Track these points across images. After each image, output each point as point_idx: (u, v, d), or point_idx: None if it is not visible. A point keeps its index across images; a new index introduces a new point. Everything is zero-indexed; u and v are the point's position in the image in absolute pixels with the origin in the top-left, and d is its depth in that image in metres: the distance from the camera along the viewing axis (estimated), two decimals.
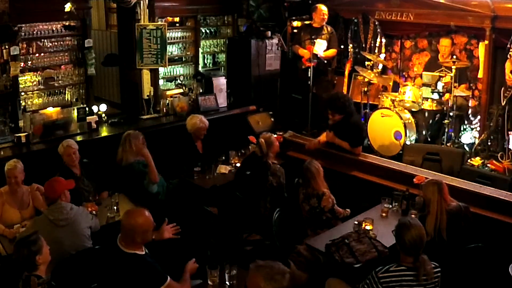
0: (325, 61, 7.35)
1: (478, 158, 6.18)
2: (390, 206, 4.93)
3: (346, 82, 7.88)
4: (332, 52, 7.40)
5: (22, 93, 6.20)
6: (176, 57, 7.82)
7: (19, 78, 6.06)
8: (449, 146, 6.45)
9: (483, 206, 5.01)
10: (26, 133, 5.90)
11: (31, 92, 6.37)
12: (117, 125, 6.71)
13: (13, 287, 3.41)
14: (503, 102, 6.22)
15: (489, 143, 6.32)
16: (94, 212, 4.69)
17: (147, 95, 7.15)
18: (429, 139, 6.73)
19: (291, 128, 7.15)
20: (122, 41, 7.45)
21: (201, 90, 7.53)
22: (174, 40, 7.65)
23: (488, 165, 6.07)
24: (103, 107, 6.83)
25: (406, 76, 7.60)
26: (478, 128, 6.69)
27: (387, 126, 6.66)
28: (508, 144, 6.08)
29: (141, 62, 7.07)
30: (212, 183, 5.66)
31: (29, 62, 6.31)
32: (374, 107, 7.19)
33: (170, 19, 7.62)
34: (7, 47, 5.84)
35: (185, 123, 6.15)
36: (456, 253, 4.09)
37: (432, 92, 6.70)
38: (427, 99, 6.69)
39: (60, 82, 6.61)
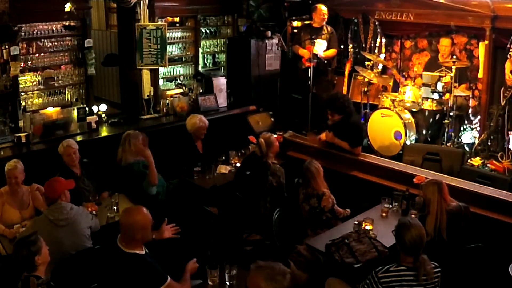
0: (325, 61, 7.35)
1: (478, 158, 6.18)
2: (390, 206, 4.93)
3: (346, 82, 7.88)
4: (332, 52, 7.40)
5: (22, 93, 6.20)
6: (176, 57, 7.82)
7: (19, 78, 6.06)
8: (449, 146, 6.44)
9: (483, 206, 5.01)
10: (26, 133, 5.89)
11: (31, 92, 6.37)
12: (117, 125, 6.71)
13: (13, 287, 3.41)
14: (503, 102, 6.22)
15: (489, 143, 6.32)
16: (94, 212, 4.69)
17: (147, 95, 7.15)
18: (429, 139, 6.73)
19: (291, 128, 7.16)
20: (122, 41, 7.45)
21: (201, 90, 7.53)
22: (174, 40, 7.64)
23: (488, 165, 6.06)
24: (103, 107, 6.83)
25: (406, 76, 7.61)
26: (478, 128, 6.69)
27: (387, 126, 6.66)
28: (508, 144, 6.07)
29: (141, 62, 7.07)
30: (212, 183, 5.66)
31: (29, 62, 6.31)
32: (374, 107, 7.19)
33: (170, 19, 7.62)
34: (7, 47, 5.84)
35: (185, 123, 6.15)
36: (456, 253, 4.09)
37: (432, 92, 6.70)
38: (427, 99, 6.69)
39: (60, 82, 6.61)
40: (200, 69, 7.96)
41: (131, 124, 6.63)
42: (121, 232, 3.41)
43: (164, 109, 7.17)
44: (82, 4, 6.39)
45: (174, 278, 3.48)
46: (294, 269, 4.31)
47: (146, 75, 7.16)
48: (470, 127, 6.81)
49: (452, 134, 6.54)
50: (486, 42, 6.45)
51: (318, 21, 7.32)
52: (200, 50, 7.96)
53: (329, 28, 7.39)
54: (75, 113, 6.38)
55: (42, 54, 6.41)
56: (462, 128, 6.76)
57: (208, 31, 8.10)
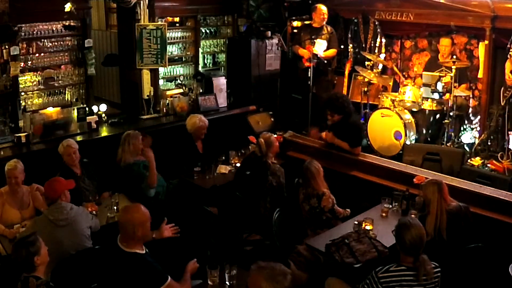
0: (325, 61, 7.35)
1: (478, 158, 6.18)
2: (390, 206, 4.93)
3: (346, 82, 7.89)
4: (332, 52, 7.40)
5: (22, 93, 6.19)
6: (176, 57, 7.81)
7: (19, 78, 6.05)
8: (449, 146, 6.44)
9: (483, 206, 5.01)
10: (26, 133, 5.89)
11: (31, 92, 6.37)
12: (117, 125, 6.71)
13: (13, 287, 3.41)
14: (503, 102, 6.22)
15: (489, 143, 6.32)
16: (94, 212, 4.70)
17: (147, 95, 7.14)
18: (429, 139, 6.73)
19: (291, 128, 7.15)
20: (122, 41, 7.45)
21: (201, 90, 7.53)
22: (174, 40, 7.64)
23: (488, 165, 6.06)
24: (103, 107, 6.83)
25: (406, 76, 7.61)
26: (478, 128, 6.69)
27: (387, 126, 6.66)
28: (508, 144, 6.08)
29: (141, 62, 7.07)
30: (212, 183, 5.66)
31: (29, 62, 6.31)
32: (374, 107, 7.19)
33: (170, 19, 7.61)
34: (7, 47, 5.84)
35: (185, 123, 6.15)
36: (456, 253, 4.09)
37: (432, 92, 6.70)
38: (427, 99, 6.69)
39: (60, 82, 6.60)
40: (200, 69, 7.95)
41: (131, 124, 6.63)
42: (120, 232, 3.41)
43: (164, 109, 7.17)
44: (82, 4, 6.39)
45: (174, 278, 3.48)
46: (294, 269, 4.31)
47: (146, 75, 7.15)
48: (470, 127, 6.81)
49: (452, 134, 6.54)
50: (486, 42, 6.45)
51: (318, 21, 7.33)
52: (200, 50, 7.96)
53: (329, 28, 7.40)
54: (75, 113, 6.38)
55: (42, 54, 6.41)
56: (462, 128, 6.76)
57: (208, 31, 8.10)
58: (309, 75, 7.02)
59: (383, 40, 7.59)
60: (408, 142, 6.50)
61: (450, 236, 4.14)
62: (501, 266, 4.03)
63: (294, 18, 7.74)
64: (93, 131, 6.43)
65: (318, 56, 7.20)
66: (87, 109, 6.57)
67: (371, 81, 7.22)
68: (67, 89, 6.68)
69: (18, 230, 4.47)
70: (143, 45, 6.99)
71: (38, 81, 6.41)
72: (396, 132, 6.57)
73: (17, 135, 5.85)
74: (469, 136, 6.66)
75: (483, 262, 4.13)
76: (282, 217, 4.86)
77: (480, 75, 6.72)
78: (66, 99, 6.67)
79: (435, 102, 6.64)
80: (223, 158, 6.15)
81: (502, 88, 6.25)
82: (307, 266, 4.51)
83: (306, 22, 7.56)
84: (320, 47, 7.23)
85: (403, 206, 4.90)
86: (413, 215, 4.47)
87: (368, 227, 4.47)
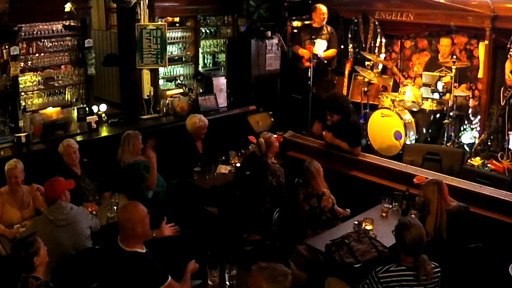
0: (325, 61, 7.35)
1: (478, 158, 6.18)
2: (390, 206, 4.93)
3: (346, 82, 7.89)
4: (332, 52, 7.40)
5: (22, 93, 6.19)
6: (176, 57, 7.81)
7: (19, 78, 6.05)
8: (449, 146, 6.44)
9: (483, 206, 5.01)
10: (26, 133, 5.89)
11: (31, 92, 6.37)
12: (117, 125, 6.71)
13: (14, 287, 3.41)
14: (503, 102, 6.22)
15: (489, 143, 6.32)
16: (94, 212, 4.70)
17: (147, 95, 7.15)
18: (429, 139, 6.73)
19: (291, 128, 7.15)
20: (122, 41, 7.45)
21: (201, 90, 7.53)
22: (174, 40, 7.64)
23: (488, 165, 6.06)
24: (103, 107, 6.83)
25: (406, 76, 7.61)
26: (478, 128, 6.68)
27: (387, 126, 6.66)
28: (508, 144, 6.07)
29: (141, 62, 7.07)
30: (212, 183, 5.66)
31: (29, 62, 6.31)
32: (374, 107, 7.18)
33: (170, 19, 7.61)
34: (7, 47, 5.84)
35: (185, 123, 6.15)
36: (456, 253, 4.09)
37: (432, 92, 6.71)
38: (427, 99, 6.69)
39: (60, 82, 6.60)
40: (200, 69, 7.95)
41: (131, 124, 6.63)
42: (120, 231, 3.41)
43: (164, 109, 7.17)
44: (82, 4, 6.39)
45: (174, 278, 3.48)
46: (294, 269, 4.32)
47: (146, 75, 7.16)
48: (470, 127, 6.80)
49: (452, 134, 6.54)
50: (486, 42, 6.44)
51: (318, 21, 7.32)
52: (200, 50, 7.96)
53: (329, 28, 7.40)
54: (75, 113, 6.38)
55: (42, 54, 6.41)
56: (462, 128, 6.76)
57: (208, 31, 8.10)
58: (309, 75, 7.02)
59: (383, 40, 7.59)
60: (408, 142, 6.50)
61: (450, 236, 4.14)
62: (501, 266, 4.03)
63: (294, 18, 7.73)
64: (93, 131, 6.43)
65: (318, 56, 7.20)
66: (87, 109, 6.57)
67: (371, 81, 7.21)
68: (67, 89, 6.68)
69: (18, 230, 4.47)
70: (143, 45, 7.00)
71: (38, 81, 6.41)
72: (396, 132, 6.57)
73: (17, 135, 5.85)
74: (469, 136, 6.66)
75: (483, 262, 4.13)
76: (282, 217, 4.86)
77: (480, 75, 6.72)
78: (66, 99, 6.68)
79: (435, 102, 6.64)
80: (223, 158, 6.15)
81: (502, 88, 6.25)
82: (307, 266, 4.52)
83: (306, 22, 7.55)
84: (320, 47, 7.23)
85: (403, 206, 4.90)
86: (413, 215, 4.47)
87: (368, 227, 4.47)
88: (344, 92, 7.76)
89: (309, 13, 7.47)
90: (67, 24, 6.42)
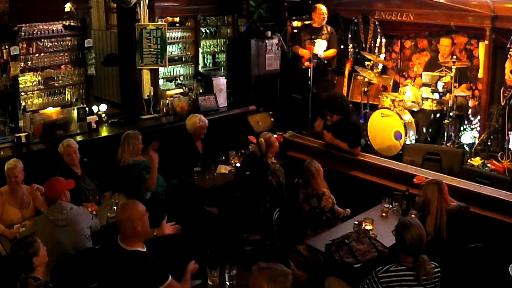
0: (325, 61, 7.36)
1: (478, 158, 6.18)
2: (390, 206, 4.93)
3: (346, 82, 7.89)
4: (332, 52, 7.41)
5: (22, 93, 6.20)
6: (176, 57, 7.81)
7: (19, 78, 6.05)
8: (449, 146, 6.44)
9: (483, 206, 5.01)
10: (26, 133, 5.89)
11: (31, 92, 6.37)
12: (117, 125, 6.71)
13: (14, 287, 3.41)
14: (503, 102, 6.22)
15: (489, 143, 6.32)
16: (94, 212, 4.69)
17: (147, 95, 7.15)
18: (429, 139, 6.73)
19: (291, 128, 7.15)
20: (122, 41, 7.45)
21: (201, 90, 7.53)
22: (174, 40, 7.64)
23: (488, 165, 6.06)
24: (103, 107, 6.83)
25: (406, 76, 7.61)
26: (478, 128, 6.69)
27: (387, 126, 6.66)
28: (508, 144, 6.07)
29: (141, 62, 7.07)
30: (212, 183, 5.66)
31: (29, 62, 6.31)
32: (374, 107, 7.19)
33: (170, 19, 7.61)
34: (7, 47, 5.84)
35: (185, 123, 6.15)
36: (456, 253, 4.09)
37: (432, 92, 6.71)
38: (427, 99, 6.69)
39: (60, 82, 6.60)
40: (200, 69, 7.95)
41: (131, 124, 6.63)
42: (120, 230, 3.41)
43: (164, 109, 7.17)
44: (82, 4, 6.39)
45: (174, 278, 3.47)
46: (294, 269, 4.32)
47: (146, 75, 7.16)
48: (470, 127, 6.81)
49: (452, 134, 6.54)
50: (486, 42, 6.45)
51: (318, 21, 7.33)
52: (200, 50, 7.96)
53: (329, 28, 7.40)
54: (75, 113, 6.38)
55: (42, 54, 6.41)
56: (462, 128, 6.77)
57: (208, 31, 8.10)
58: (309, 75, 7.02)
59: (383, 40, 7.59)
60: (408, 142, 6.50)
61: (450, 236, 4.14)
62: (501, 266, 4.03)
63: (294, 18, 7.73)
64: (93, 131, 6.43)
65: (318, 56, 7.20)
66: (87, 109, 6.57)
67: (371, 81, 7.21)
68: (67, 89, 6.68)
69: (18, 230, 4.47)
70: (143, 45, 7.00)
71: (38, 81, 6.41)
72: (396, 132, 6.57)
73: (17, 135, 5.85)
74: (469, 136, 6.67)
75: (483, 262, 4.13)
76: (282, 217, 4.86)
77: (480, 75, 6.72)
78: (66, 99, 6.68)
79: (435, 102, 6.64)
80: (223, 158, 6.15)
81: (502, 88, 6.25)
82: (307, 266, 4.52)
83: (306, 22, 7.56)
84: (320, 47, 7.24)
85: (403, 206, 4.90)
86: (413, 215, 4.47)
87: (368, 227, 4.47)
88: (344, 92, 7.76)
89: (309, 13, 7.47)
90: (67, 24, 6.42)
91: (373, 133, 6.84)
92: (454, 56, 6.69)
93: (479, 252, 4.16)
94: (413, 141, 6.59)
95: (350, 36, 7.92)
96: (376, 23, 7.50)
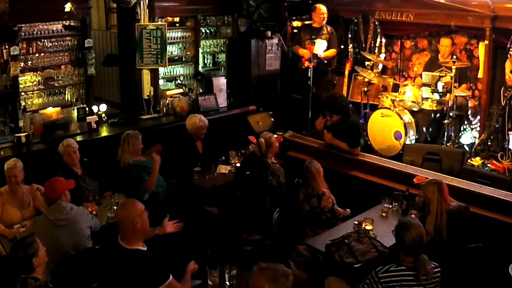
0: (325, 61, 7.36)
1: (478, 158, 6.18)
2: (390, 206, 4.93)
3: (346, 82, 7.89)
4: (332, 52, 7.41)
5: (22, 93, 6.19)
6: (176, 57, 7.81)
7: (19, 78, 6.05)
8: (449, 146, 6.44)
9: (483, 206, 5.01)
10: (26, 133, 5.89)
11: (31, 92, 6.37)
12: (117, 125, 6.71)
13: (14, 287, 3.41)
14: (503, 102, 6.22)
15: (489, 143, 6.32)
16: (94, 212, 4.70)
17: (147, 95, 7.14)
18: (429, 139, 6.73)
19: (291, 128, 7.15)
20: (122, 41, 7.45)
21: (201, 90, 7.53)
22: (174, 40, 7.64)
23: (488, 165, 6.06)
24: (103, 107, 6.83)
25: (406, 76, 7.61)
26: (478, 128, 6.69)
27: (387, 126, 6.66)
28: (508, 144, 6.08)
29: (141, 62, 7.07)
30: (212, 183, 5.66)
31: (29, 62, 6.31)
32: (374, 107, 7.19)
33: (170, 19, 7.61)
34: (7, 47, 5.84)
35: (185, 123, 6.15)
36: (456, 253, 4.09)
37: (432, 92, 6.71)
38: (427, 99, 6.70)
39: (60, 82, 6.60)
40: (200, 69, 7.95)
41: (131, 124, 6.63)
42: (120, 230, 3.41)
43: (164, 109, 7.17)
44: (82, 4, 6.39)
45: (174, 278, 3.47)
46: (294, 269, 4.32)
47: (146, 75, 7.16)
48: (470, 127, 6.81)
49: (452, 134, 6.54)
50: (486, 42, 6.45)
51: (318, 21, 7.33)
52: (200, 50, 7.95)
53: (329, 28, 7.40)
54: (75, 113, 6.38)
55: (42, 54, 6.41)
56: (462, 128, 6.77)
57: (208, 31, 8.10)
58: (309, 75, 7.02)
59: (383, 40, 7.59)
60: (408, 142, 6.50)
61: (450, 236, 4.14)
62: (501, 266, 4.03)
63: (294, 18, 7.74)
64: (93, 131, 6.43)
65: (318, 56, 7.20)
66: (87, 109, 6.57)
67: (371, 81, 7.22)
68: (67, 89, 6.68)
69: (18, 230, 4.47)
70: (143, 45, 6.99)
71: (38, 81, 6.41)
72: (396, 132, 6.57)
73: (17, 135, 5.85)
74: (469, 136, 6.67)
75: (483, 262, 4.13)
76: (282, 217, 4.86)
77: (480, 75, 6.73)
78: (66, 99, 6.68)
79: (435, 102, 6.64)
80: (223, 158, 6.15)
81: (502, 88, 6.26)
82: (307, 266, 4.52)
83: (306, 22, 7.56)
84: (320, 47, 7.24)
85: (403, 206, 4.90)
86: (413, 215, 4.47)
87: (368, 227, 4.47)
88: (344, 92, 7.77)
89: (309, 13, 7.48)
90: (67, 24, 6.42)
91: (373, 133, 6.84)
92: (454, 56, 6.69)
93: (479, 252, 4.16)
94: (413, 141, 6.59)
95: (350, 36, 7.92)
96: (376, 23, 7.51)
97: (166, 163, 5.64)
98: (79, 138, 6.13)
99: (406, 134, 6.52)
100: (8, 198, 4.75)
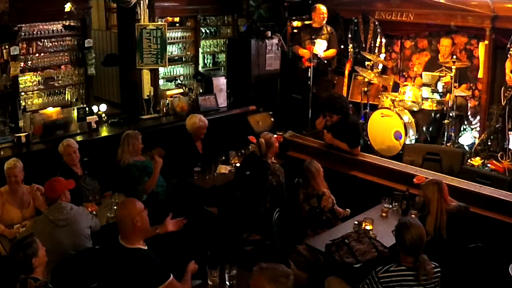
0: (325, 61, 7.36)
1: (478, 158, 6.18)
2: (390, 206, 4.93)
3: (346, 82, 7.89)
4: (332, 52, 7.41)
5: (22, 93, 6.19)
6: (176, 57, 7.81)
7: (19, 78, 6.05)
8: (449, 146, 6.44)
9: (483, 206, 5.01)
10: (26, 133, 5.89)
11: (31, 92, 6.37)
12: (117, 125, 6.71)
13: (14, 287, 3.41)
14: (503, 102, 6.22)
15: (489, 143, 6.32)
16: (94, 212, 4.69)
17: (147, 95, 7.14)
18: (429, 139, 6.73)
19: (291, 128, 7.15)
20: (122, 41, 7.45)
21: (201, 90, 7.53)
22: (174, 40, 7.64)
23: (488, 165, 6.07)
24: (103, 107, 6.83)
25: (406, 76, 7.61)
26: (478, 128, 6.69)
27: (387, 126, 6.67)
28: (508, 144, 6.08)
29: (141, 62, 7.07)
30: (212, 183, 5.66)
31: (29, 62, 6.31)
32: (374, 107, 7.19)
33: (170, 19, 7.61)
34: (7, 47, 5.84)
35: (185, 123, 6.15)
36: (456, 253, 4.09)
37: (432, 92, 6.71)
38: (427, 99, 6.70)
39: (60, 82, 6.60)
40: (200, 69, 7.95)
41: (131, 124, 6.63)
42: (120, 229, 3.41)
43: (164, 109, 7.16)
44: (82, 4, 6.39)
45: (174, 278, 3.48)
46: (294, 269, 4.32)
47: (146, 75, 7.16)
48: (470, 127, 6.81)
49: (452, 134, 6.54)
50: (486, 42, 6.45)
51: (318, 21, 7.33)
52: (200, 50, 7.96)
53: (329, 28, 7.40)
54: (75, 113, 6.38)
55: (42, 54, 6.41)
56: (462, 128, 6.77)
57: (208, 31, 8.10)
58: (309, 75, 7.03)
59: (383, 40, 7.60)
60: (408, 142, 6.50)
61: (450, 236, 4.14)
62: (501, 266, 4.03)
63: (294, 18, 7.74)
64: (93, 131, 6.43)
65: (318, 56, 7.20)
66: (87, 109, 6.57)
67: (371, 81, 7.22)
68: (67, 89, 6.68)
69: (18, 230, 4.47)
70: (143, 45, 6.99)
71: (38, 81, 6.41)
72: (396, 132, 6.58)
73: (17, 135, 5.85)
74: (469, 136, 6.67)
75: (483, 262, 4.13)
76: (282, 217, 4.86)
77: (480, 75, 6.73)
78: (66, 99, 6.68)
79: (435, 102, 6.64)
80: (223, 158, 6.15)
81: (503, 88, 6.26)
82: (307, 266, 4.52)
83: (306, 22, 7.57)
84: (320, 47, 7.24)
85: (403, 206, 4.90)
86: (413, 215, 4.47)
87: (368, 227, 4.47)
88: (344, 92, 7.77)
89: (309, 13, 7.48)
90: (67, 24, 6.41)
91: (373, 133, 6.84)
92: (454, 56, 6.69)
93: (479, 252, 4.16)
94: (413, 141, 6.59)
95: (350, 36, 7.92)
96: (376, 23, 7.51)
97: (166, 163, 5.64)
98: (79, 138, 6.13)
99: (406, 134, 6.52)
100: (8, 198, 4.75)
